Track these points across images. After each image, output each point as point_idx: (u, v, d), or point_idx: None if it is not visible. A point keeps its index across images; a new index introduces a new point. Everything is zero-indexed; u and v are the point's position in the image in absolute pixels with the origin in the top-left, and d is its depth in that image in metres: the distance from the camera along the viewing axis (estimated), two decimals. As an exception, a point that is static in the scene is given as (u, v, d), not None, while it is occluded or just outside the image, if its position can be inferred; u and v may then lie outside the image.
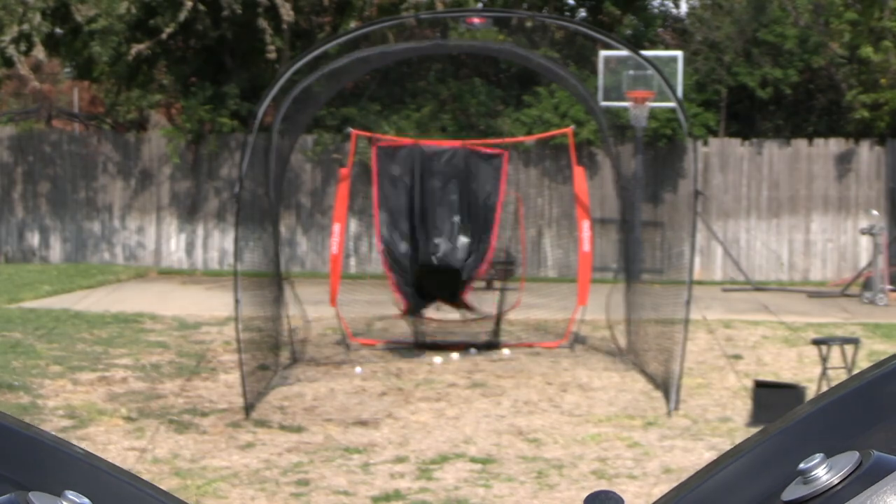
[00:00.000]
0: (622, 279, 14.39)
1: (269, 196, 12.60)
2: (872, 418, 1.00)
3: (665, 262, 18.46)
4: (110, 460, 1.07)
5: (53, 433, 1.02)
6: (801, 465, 0.91)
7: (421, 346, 13.48)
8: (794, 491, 0.91)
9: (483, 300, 14.59)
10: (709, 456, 8.70)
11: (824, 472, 0.90)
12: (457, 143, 13.71)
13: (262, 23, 19.97)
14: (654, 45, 23.03)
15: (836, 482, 0.89)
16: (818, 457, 0.91)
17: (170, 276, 21.55)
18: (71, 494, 0.91)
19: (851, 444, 0.94)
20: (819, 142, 22.06)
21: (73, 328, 14.26)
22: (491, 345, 13.46)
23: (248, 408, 10.00)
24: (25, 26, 20.09)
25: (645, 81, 18.48)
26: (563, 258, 21.18)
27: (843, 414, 1.03)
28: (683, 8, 26.03)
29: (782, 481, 0.94)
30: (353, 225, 20.88)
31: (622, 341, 13.62)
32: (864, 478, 0.88)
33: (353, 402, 10.73)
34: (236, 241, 10.80)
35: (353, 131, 14.18)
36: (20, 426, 1.01)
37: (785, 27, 22.55)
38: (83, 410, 10.00)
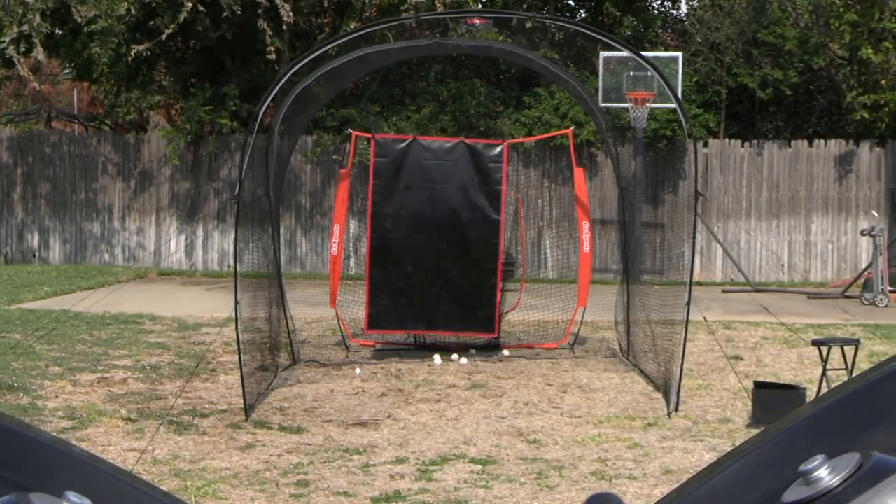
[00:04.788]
0: (622, 280, 14.37)
1: (269, 197, 12.59)
2: (873, 420, 1.00)
3: (665, 263, 18.46)
4: (110, 461, 1.06)
5: (53, 434, 1.02)
6: (802, 467, 0.91)
7: (421, 347, 13.47)
8: (795, 492, 0.91)
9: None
10: (709, 457, 8.69)
11: (825, 474, 0.90)
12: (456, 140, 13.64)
13: (262, 23, 19.96)
14: (654, 46, 23.03)
15: (836, 483, 0.89)
16: (819, 458, 0.91)
17: (169, 277, 21.55)
18: (72, 496, 0.91)
19: (852, 446, 0.94)
20: (819, 143, 22.06)
21: (73, 329, 14.25)
22: (491, 346, 13.45)
23: (248, 409, 10.00)
24: (25, 27, 20.09)
25: (645, 82, 18.48)
26: (563, 259, 21.18)
27: (843, 415, 1.03)
28: (683, 9, 26.04)
29: (783, 482, 0.94)
30: (353, 226, 20.87)
31: (622, 342, 13.62)
32: (865, 479, 0.88)
33: (352, 403, 10.73)
34: (236, 242, 10.79)
35: (352, 132, 14.17)
36: (21, 427, 1.01)
37: (785, 28, 22.55)
38: (83, 411, 10.00)
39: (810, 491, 0.89)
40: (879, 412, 1.00)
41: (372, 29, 13.80)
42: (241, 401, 10.08)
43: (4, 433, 0.98)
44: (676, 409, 10.28)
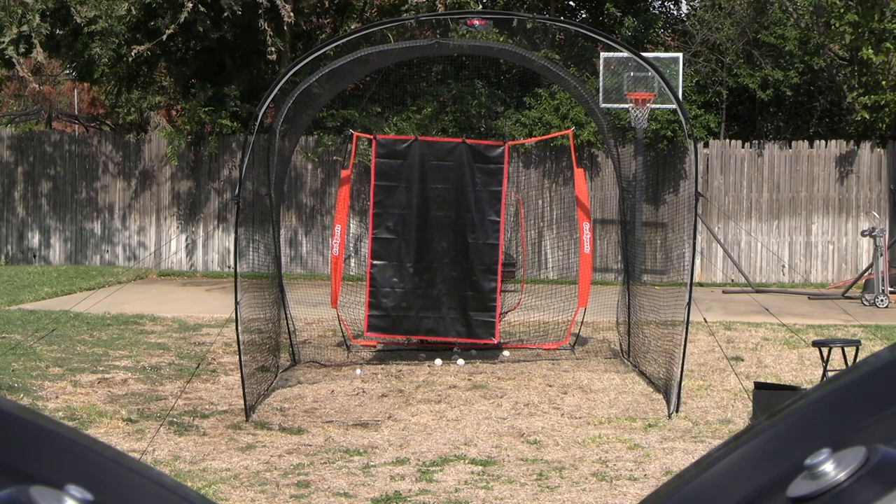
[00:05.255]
0: (623, 281, 14.37)
1: (269, 197, 12.58)
2: (875, 407, 0.99)
3: (666, 263, 18.46)
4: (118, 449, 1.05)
5: (58, 420, 1.01)
6: (808, 461, 0.90)
7: (421, 346, 13.46)
8: (801, 486, 0.90)
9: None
10: (710, 457, 8.66)
11: (832, 468, 0.89)
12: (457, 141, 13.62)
13: (263, 24, 19.96)
14: (654, 47, 23.02)
15: (843, 479, 0.88)
16: (825, 452, 0.90)
17: (170, 277, 21.54)
18: (73, 489, 0.90)
19: (856, 435, 0.93)
20: (820, 143, 22.06)
21: (74, 330, 14.25)
22: (491, 346, 13.43)
23: (249, 410, 9.99)
24: (25, 28, 20.08)
25: (645, 83, 18.47)
26: (563, 260, 21.18)
27: (846, 403, 1.02)
28: (684, 9, 26.03)
29: (785, 472, 0.94)
30: (354, 226, 20.87)
31: (623, 343, 13.61)
32: (872, 475, 0.87)
33: (353, 403, 10.72)
34: (236, 242, 10.78)
35: (354, 133, 14.17)
36: (21, 412, 0.99)
37: (785, 29, 22.54)
38: (83, 412, 9.99)
39: (817, 486, 0.89)
40: (882, 400, 0.99)
41: (372, 29, 13.79)
42: (242, 401, 10.08)
43: (5, 418, 0.97)
44: (677, 410, 10.28)
